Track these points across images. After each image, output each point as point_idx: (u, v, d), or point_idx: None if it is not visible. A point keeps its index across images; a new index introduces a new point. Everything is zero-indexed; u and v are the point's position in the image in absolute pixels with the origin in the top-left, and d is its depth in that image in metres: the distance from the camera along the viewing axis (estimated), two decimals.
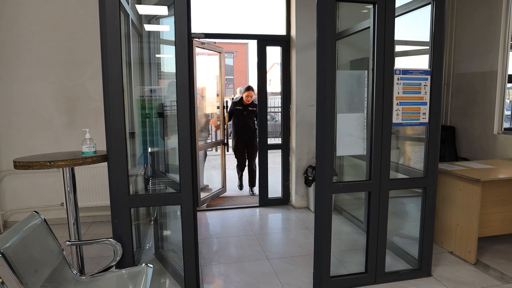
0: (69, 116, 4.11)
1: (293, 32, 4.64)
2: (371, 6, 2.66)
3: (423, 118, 2.77)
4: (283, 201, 4.99)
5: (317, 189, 2.66)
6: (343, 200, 4.61)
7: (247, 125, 5.55)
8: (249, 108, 5.51)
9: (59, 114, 4.09)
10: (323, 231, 2.66)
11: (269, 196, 4.97)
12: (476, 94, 4.42)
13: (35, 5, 3.91)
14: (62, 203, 4.12)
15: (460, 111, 4.71)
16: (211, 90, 5.69)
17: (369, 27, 2.75)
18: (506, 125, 4.29)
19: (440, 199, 3.43)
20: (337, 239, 3.64)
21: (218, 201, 5.23)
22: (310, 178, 4.61)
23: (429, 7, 2.77)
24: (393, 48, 2.65)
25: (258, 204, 4.93)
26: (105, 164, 2.34)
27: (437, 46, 2.73)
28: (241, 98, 5.60)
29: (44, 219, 2.00)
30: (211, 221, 4.45)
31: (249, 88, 5.52)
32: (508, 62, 4.11)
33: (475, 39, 4.39)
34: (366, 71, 2.70)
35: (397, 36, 3.14)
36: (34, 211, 2.00)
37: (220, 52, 5.25)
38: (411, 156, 3.76)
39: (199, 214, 4.60)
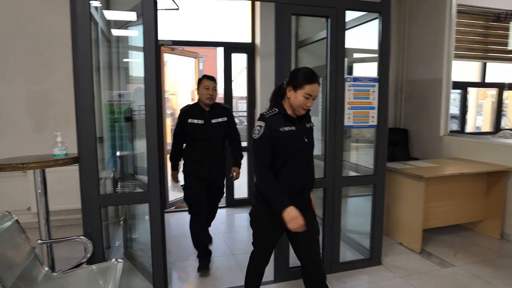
0: (37, 121, 4.12)
1: (257, 40, 4.87)
2: None
3: (372, 121, 3.07)
4: (249, 201, 5.18)
5: None
6: None
7: (210, 151, 3.13)
8: (213, 121, 3.10)
9: (27, 118, 4.10)
10: None
11: (235, 197, 5.14)
12: (425, 99, 4.83)
13: (2, 9, 3.92)
14: (29, 208, 4.13)
15: (412, 115, 5.11)
16: (186, 94, 5.57)
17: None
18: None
19: (390, 196, 3.76)
20: None
21: None
22: None
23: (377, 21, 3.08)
24: (344, 57, 2.93)
25: (225, 205, 5.08)
26: (72, 168, 2.44)
27: (383, 56, 3.03)
28: (196, 103, 3.15)
29: (17, 219, 2.10)
30: (179, 221, 4.58)
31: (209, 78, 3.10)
32: (451, 70, 4.54)
33: (424, 48, 4.80)
34: (320, 78, 2.95)
35: (358, 45, 3.39)
36: (6, 212, 2.09)
37: (196, 58, 5.32)
38: (365, 156, 4.06)
39: (169, 215, 4.71)
